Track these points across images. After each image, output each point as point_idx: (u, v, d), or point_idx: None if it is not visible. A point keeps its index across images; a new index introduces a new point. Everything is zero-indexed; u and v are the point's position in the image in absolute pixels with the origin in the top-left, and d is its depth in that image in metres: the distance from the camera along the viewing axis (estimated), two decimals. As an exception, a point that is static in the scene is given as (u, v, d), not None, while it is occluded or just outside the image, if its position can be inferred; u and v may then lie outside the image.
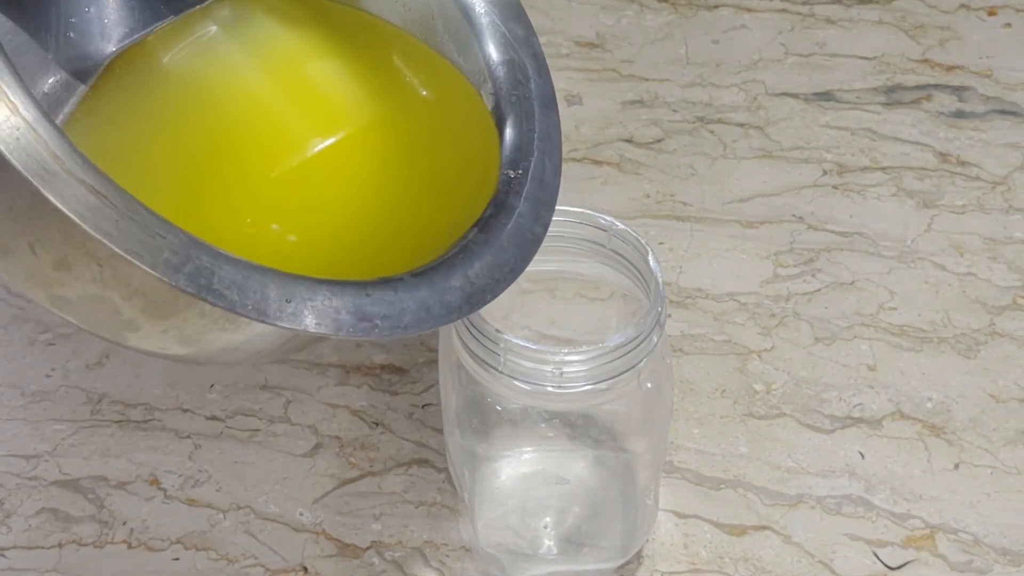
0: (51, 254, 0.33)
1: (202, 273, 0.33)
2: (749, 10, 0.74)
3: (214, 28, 0.44)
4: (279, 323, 0.34)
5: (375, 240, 0.42)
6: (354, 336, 0.36)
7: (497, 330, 0.41)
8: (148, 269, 0.32)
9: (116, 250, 0.32)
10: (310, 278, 0.36)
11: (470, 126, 0.45)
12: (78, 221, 0.31)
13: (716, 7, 0.74)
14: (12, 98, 0.31)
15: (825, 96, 0.69)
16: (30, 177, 0.31)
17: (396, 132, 0.43)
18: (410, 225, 0.42)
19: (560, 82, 0.69)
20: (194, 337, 0.36)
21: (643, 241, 0.44)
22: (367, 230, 0.42)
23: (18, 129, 0.31)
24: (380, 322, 0.37)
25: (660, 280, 0.43)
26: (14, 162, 0.31)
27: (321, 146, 0.42)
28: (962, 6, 0.74)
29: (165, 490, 0.52)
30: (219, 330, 0.35)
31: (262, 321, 0.34)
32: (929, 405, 0.54)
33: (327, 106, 0.44)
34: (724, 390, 0.55)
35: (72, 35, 0.45)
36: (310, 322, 0.35)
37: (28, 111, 0.31)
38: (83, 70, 0.45)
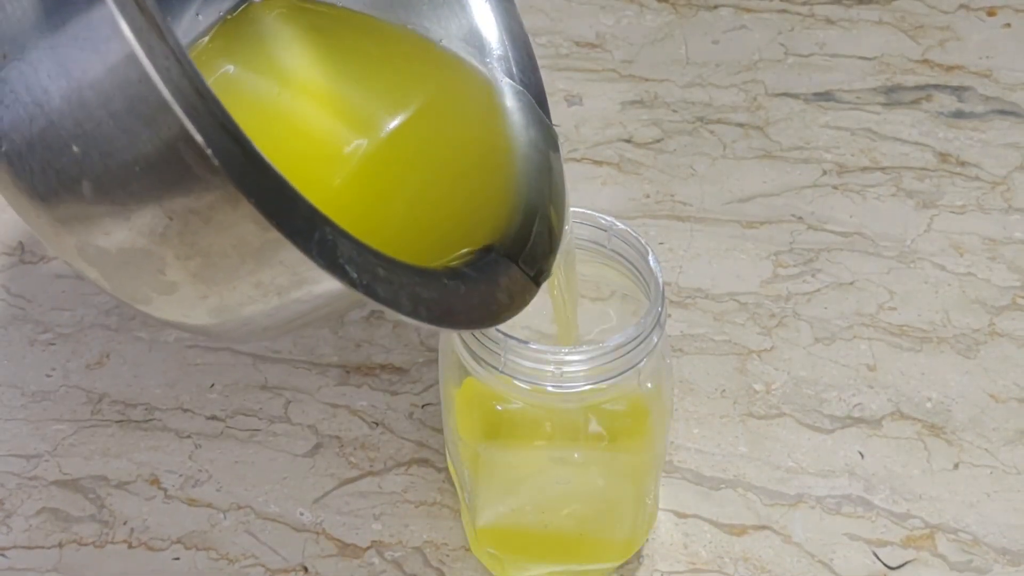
0: (112, 198, 0.30)
1: (327, 245, 0.30)
2: (749, 10, 0.74)
3: (232, 68, 0.43)
4: (387, 307, 0.32)
5: (424, 230, 0.41)
6: (441, 327, 0.35)
7: (497, 329, 0.41)
8: (283, 235, 0.29)
9: (253, 208, 0.29)
10: (402, 262, 0.34)
11: (485, 109, 0.45)
12: (221, 168, 0.28)
13: (716, 7, 0.74)
14: (162, 27, 0.28)
15: (825, 96, 0.69)
16: (180, 112, 0.27)
17: (425, 122, 0.43)
18: (449, 213, 0.42)
19: (560, 82, 0.70)
20: (231, 307, 0.33)
21: (643, 241, 0.44)
22: (416, 223, 0.41)
23: (167, 58, 0.28)
24: (461, 316, 0.35)
25: (660, 280, 0.43)
26: (165, 91, 0.27)
27: (367, 145, 0.41)
28: (962, 6, 0.74)
29: (165, 490, 0.52)
30: (262, 302, 0.33)
31: (370, 299, 0.32)
32: (929, 405, 0.54)
33: (363, 108, 0.43)
34: (724, 390, 0.55)
35: None
36: (407, 307, 0.33)
37: (172, 40, 0.28)
38: None
